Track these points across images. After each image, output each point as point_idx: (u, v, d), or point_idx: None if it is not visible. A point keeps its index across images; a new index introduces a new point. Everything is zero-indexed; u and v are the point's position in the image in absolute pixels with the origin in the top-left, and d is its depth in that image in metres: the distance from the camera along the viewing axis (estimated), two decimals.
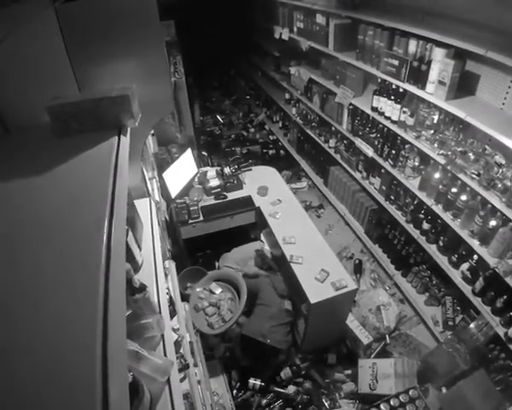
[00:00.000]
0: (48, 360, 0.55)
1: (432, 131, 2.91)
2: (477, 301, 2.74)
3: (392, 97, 3.22)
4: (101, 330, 0.57)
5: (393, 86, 3.21)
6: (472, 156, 2.59)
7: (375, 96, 3.43)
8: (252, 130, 6.78)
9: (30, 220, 0.83)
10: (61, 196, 0.91)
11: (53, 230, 0.80)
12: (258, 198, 3.74)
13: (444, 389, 2.80)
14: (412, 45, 2.87)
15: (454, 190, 2.77)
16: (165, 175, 3.42)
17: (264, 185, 3.81)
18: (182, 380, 1.70)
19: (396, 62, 3.00)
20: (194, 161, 3.91)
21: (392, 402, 2.62)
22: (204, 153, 5.23)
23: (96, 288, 0.63)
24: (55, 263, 0.71)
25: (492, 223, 2.49)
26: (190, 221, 3.53)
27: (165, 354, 1.30)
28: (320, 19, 4.02)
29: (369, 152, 3.68)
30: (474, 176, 2.52)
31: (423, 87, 2.83)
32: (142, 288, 1.24)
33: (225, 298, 3.09)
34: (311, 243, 3.20)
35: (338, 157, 4.51)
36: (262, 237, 3.68)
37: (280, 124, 6.42)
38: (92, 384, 0.50)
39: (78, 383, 0.52)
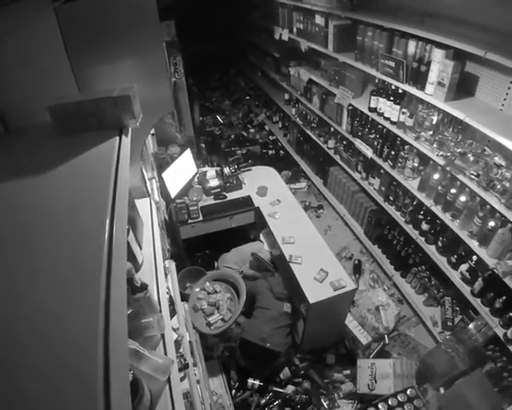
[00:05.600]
0: (50, 358, 0.55)
1: (431, 132, 2.91)
2: (476, 302, 2.74)
3: (392, 98, 3.23)
4: (102, 329, 0.57)
5: (393, 87, 3.22)
6: (471, 157, 2.60)
7: (373, 97, 3.44)
8: (251, 130, 6.79)
9: (30, 220, 0.83)
10: (62, 195, 0.91)
11: (54, 230, 0.80)
12: (258, 198, 3.75)
13: (442, 390, 2.81)
14: (411, 46, 2.87)
15: (453, 190, 2.78)
16: (165, 175, 3.42)
17: (264, 185, 3.81)
18: (181, 380, 1.70)
19: (392, 64, 3.01)
20: (193, 161, 3.91)
21: (390, 402, 2.62)
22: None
23: (98, 287, 0.63)
24: (57, 263, 0.71)
25: (491, 224, 2.49)
26: (190, 221, 3.53)
27: (165, 354, 1.30)
28: (319, 20, 4.02)
29: (369, 153, 3.68)
30: (473, 177, 2.53)
31: (423, 88, 2.83)
32: (144, 287, 1.24)
33: (224, 298, 3.09)
34: (311, 244, 3.20)
35: (337, 158, 4.52)
36: (261, 238, 3.69)
37: (279, 124, 6.43)
38: (94, 383, 0.51)
39: (80, 381, 0.52)
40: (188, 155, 3.81)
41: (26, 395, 0.51)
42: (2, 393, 0.51)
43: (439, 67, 2.63)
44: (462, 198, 2.71)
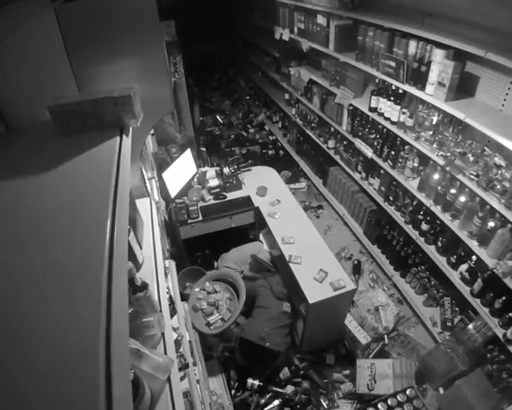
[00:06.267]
0: (51, 359, 0.55)
1: (431, 132, 2.91)
2: (475, 303, 2.75)
3: (392, 98, 3.23)
4: (104, 328, 0.57)
5: (393, 87, 3.22)
6: (471, 157, 2.60)
7: (374, 97, 3.45)
8: (251, 130, 6.80)
9: (31, 220, 0.83)
10: (63, 195, 0.91)
11: (55, 229, 0.80)
12: (258, 198, 3.75)
13: (441, 390, 2.81)
14: (412, 46, 2.87)
15: (453, 191, 2.78)
16: (165, 175, 3.42)
17: (264, 186, 3.81)
18: (181, 379, 1.70)
19: (393, 64, 3.01)
20: (193, 161, 3.91)
21: (389, 402, 2.63)
22: (203, 148, 5.22)
23: (99, 287, 0.63)
24: (58, 263, 0.71)
25: (491, 224, 2.49)
26: (189, 221, 3.54)
27: (165, 353, 1.30)
28: (321, 19, 4.02)
29: (369, 153, 3.69)
30: (472, 177, 2.53)
31: (423, 88, 2.84)
32: (144, 286, 1.24)
33: (224, 298, 3.09)
34: (310, 244, 3.20)
35: (337, 158, 4.52)
36: (261, 238, 3.69)
37: (279, 124, 6.43)
38: (96, 382, 0.51)
39: (82, 381, 0.52)
40: (188, 155, 3.81)
41: (27, 394, 0.51)
42: (4, 392, 0.51)
43: (440, 67, 2.63)
44: (462, 198, 2.71)
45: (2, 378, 0.53)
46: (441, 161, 2.77)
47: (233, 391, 2.95)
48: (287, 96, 5.79)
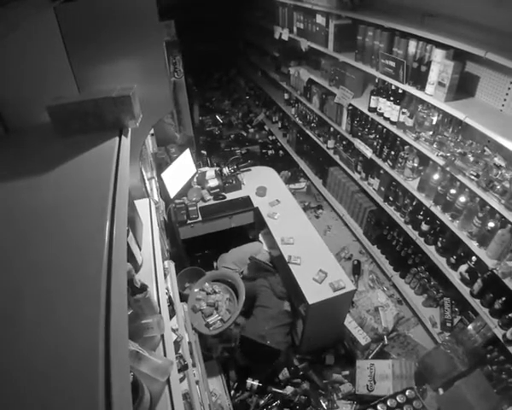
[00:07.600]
0: (51, 361, 0.55)
1: (431, 132, 2.91)
2: (475, 303, 2.74)
3: (392, 98, 3.23)
4: (103, 330, 0.57)
5: (393, 87, 3.22)
6: (471, 158, 2.60)
7: (373, 97, 3.45)
8: (251, 130, 6.79)
9: (30, 221, 0.83)
10: (62, 196, 0.91)
11: (54, 230, 0.80)
12: (257, 198, 3.74)
13: (441, 391, 2.81)
14: (412, 46, 2.87)
15: (453, 191, 2.78)
16: (164, 175, 3.42)
17: (263, 186, 3.81)
18: (181, 380, 1.70)
19: (393, 64, 3.01)
20: (192, 162, 3.91)
21: (388, 403, 2.63)
22: (203, 151, 5.22)
23: (98, 288, 0.63)
24: (57, 264, 0.71)
25: (491, 224, 2.49)
26: (189, 221, 3.53)
27: (164, 355, 1.30)
28: (320, 19, 4.02)
29: (368, 153, 3.68)
30: (472, 177, 2.53)
31: (423, 88, 2.83)
32: (143, 288, 1.24)
33: (223, 298, 3.09)
34: (310, 244, 3.20)
35: (337, 158, 4.52)
36: (260, 238, 3.68)
37: (279, 124, 6.43)
38: (95, 385, 0.50)
39: (81, 383, 0.52)
40: (187, 155, 3.80)
41: (27, 396, 0.51)
42: (3, 393, 0.51)
43: (440, 67, 2.63)
44: (462, 199, 2.71)
45: (4, 373, 0.53)
46: (441, 162, 2.76)
47: (232, 392, 2.94)
48: (286, 96, 5.79)
